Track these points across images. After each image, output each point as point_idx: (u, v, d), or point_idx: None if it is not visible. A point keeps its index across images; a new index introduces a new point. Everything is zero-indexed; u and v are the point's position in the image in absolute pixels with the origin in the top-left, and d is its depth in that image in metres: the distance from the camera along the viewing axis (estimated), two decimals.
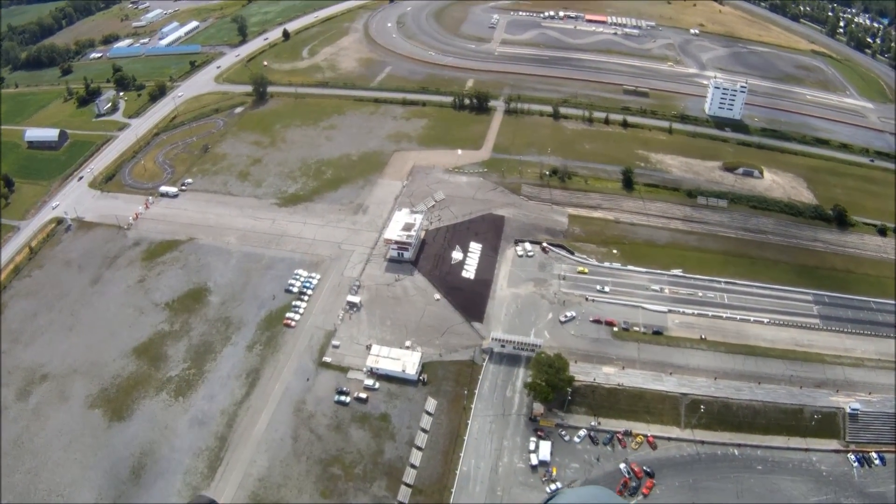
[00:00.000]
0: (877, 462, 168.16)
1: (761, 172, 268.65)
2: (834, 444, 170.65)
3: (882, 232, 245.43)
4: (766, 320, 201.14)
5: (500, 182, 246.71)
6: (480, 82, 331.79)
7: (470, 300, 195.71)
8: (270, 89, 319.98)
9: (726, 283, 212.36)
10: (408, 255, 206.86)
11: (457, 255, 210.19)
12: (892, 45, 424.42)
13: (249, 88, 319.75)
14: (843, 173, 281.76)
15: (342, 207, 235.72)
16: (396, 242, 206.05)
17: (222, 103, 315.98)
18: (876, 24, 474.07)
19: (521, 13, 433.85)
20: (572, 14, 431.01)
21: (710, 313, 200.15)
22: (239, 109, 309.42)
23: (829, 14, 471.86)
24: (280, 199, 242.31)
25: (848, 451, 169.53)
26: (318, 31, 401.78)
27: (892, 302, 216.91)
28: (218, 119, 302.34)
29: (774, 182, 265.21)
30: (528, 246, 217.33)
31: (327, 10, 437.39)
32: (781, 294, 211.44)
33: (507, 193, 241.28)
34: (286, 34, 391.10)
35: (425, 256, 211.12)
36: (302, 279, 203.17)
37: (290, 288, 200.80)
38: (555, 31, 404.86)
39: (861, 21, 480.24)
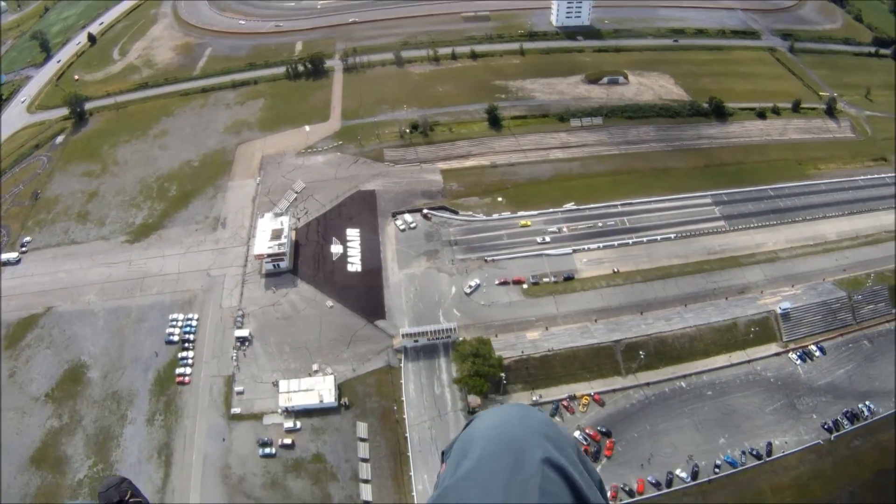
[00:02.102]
0: (817, 354, 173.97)
1: (626, 77, 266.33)
2: (773, 348, 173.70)
3: (761, 115, 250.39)
4: (673, 235, 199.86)
5: (359, 153, 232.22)
6: (310, 43, 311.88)
7: (365, 297, 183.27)
8: (88, 106, 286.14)
9: (622, 205, 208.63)
10: (284, 264, 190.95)
11: (336, 248, 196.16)
12: None
13: (66, 111, 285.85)
14: (706, 61, 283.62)
15: (198, 227, 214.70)
16: (269, 256, 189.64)
17: (41, 136, 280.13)
18: None
19: None
20: None
21: (616, 242, 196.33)
22: (60, 138, 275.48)
23: None
24: (129, 234, 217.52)
25: (788, 351, 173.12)
26: (124, 26, 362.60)
27: (789, 185, 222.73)
28: (41, 156, 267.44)
29: (642, 84, 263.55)
30: (407, 217, 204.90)
31: None
32: (680, 203, 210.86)
33: (370, 164, 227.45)
34: (92, 38, 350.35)
35: (303, 260, 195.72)
36: (180, 324, 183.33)
37: (171, 338, 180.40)
38: None
39: None
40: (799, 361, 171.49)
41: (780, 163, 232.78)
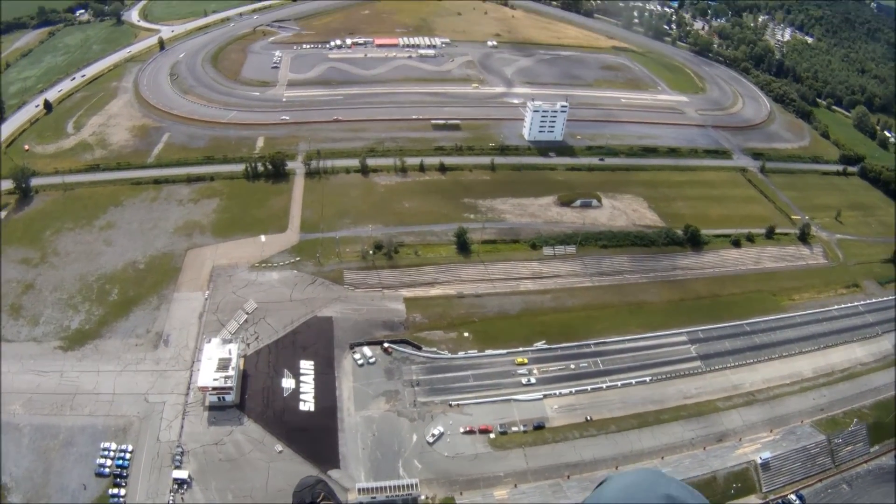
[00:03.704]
0: (797, 503, 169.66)
1: (599, 200, 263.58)
2: (753, 500, 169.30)
3: (736, 243, 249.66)
4: (648, 378, 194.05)
5: (317, 272, 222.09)
6: (272, 139, 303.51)
7: (318, 442, 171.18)
8: (35, 182, 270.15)
9: (596, 344, 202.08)
10: (230, 398, 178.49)
11: (287, 382, 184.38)
12: (689, 30, 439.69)
13: (11, 184, 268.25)
14: (679, 182, 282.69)
15: (139, 341, 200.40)
16: (214, 389, 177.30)
17: None
18: (667, 9, 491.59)
19: (304, 46, 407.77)
20: (360, 41, 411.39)
21: (590, 387, 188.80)
22: (3, 214, 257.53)
23: (622, 4, 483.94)
24: (64, 339, 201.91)
25: (767, 503, 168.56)
26: (83, 97, 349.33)
27: (764, 318, 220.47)
28: None
29: (615, 209, 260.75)
30: (366, 351, 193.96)
31: (93, 66, 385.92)
32: (655, 342, 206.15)
33: (328, 286, 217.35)
34: (48, 105, 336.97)
35: (251, 394, 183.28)
36: (112, 455, 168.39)
37: (102, 470, 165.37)
38: (344, 63, 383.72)
39: (653, 8, 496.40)
40: None
41: (755, 295, 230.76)
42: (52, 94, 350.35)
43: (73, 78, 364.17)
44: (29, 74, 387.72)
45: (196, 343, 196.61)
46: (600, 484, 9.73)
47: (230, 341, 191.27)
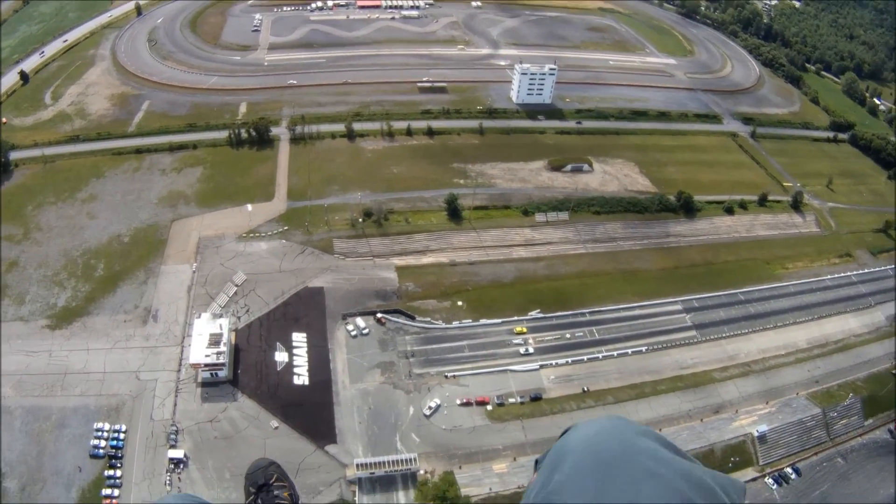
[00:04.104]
0: (793, 476, 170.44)
1: (590, 165, 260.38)
2: (750, 473, 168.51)
3: (729, 210, 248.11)
4: (644, 348, 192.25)
5: (306, 242, 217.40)
6: (255, 105, 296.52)
7: (313, 416, 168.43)
8: (14, 156, 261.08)
9: (591, 313, 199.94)
10: (223, 374, 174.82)
11: (280, 356, 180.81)
12: None
13: None
14: (670, 147, 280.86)
15: (127, 317, 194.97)
16: (206, 365, 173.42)
17: None
18: None
19: (285, 8, 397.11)
20: (342, 2, 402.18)
21: (586, 357, 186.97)
22: None
23: None
24: (51, 317, 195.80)
25: (764, 476, 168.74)
26: (60, 66, 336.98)
27: (758, 287, 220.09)
28: None
29: (606, 173, 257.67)
30: (359, 322, 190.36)
31: (69, 34, 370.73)
32: (651, 311, 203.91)
33: (318, 255, 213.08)
34: (24, 76, 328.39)
35: (244, 369, 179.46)
36: (106, 435, 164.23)
37: (96, 451, 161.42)
38: (326, 26, 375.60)
39: None
40: (775, 486, 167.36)
41: (748, 263, 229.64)
42: (29, 65, 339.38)
43: (42, 53, 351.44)
44: (4, 45, 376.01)
45: (186, 317, 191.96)
46: (565, 432, 9.15)
47: (220, 315, 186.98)
